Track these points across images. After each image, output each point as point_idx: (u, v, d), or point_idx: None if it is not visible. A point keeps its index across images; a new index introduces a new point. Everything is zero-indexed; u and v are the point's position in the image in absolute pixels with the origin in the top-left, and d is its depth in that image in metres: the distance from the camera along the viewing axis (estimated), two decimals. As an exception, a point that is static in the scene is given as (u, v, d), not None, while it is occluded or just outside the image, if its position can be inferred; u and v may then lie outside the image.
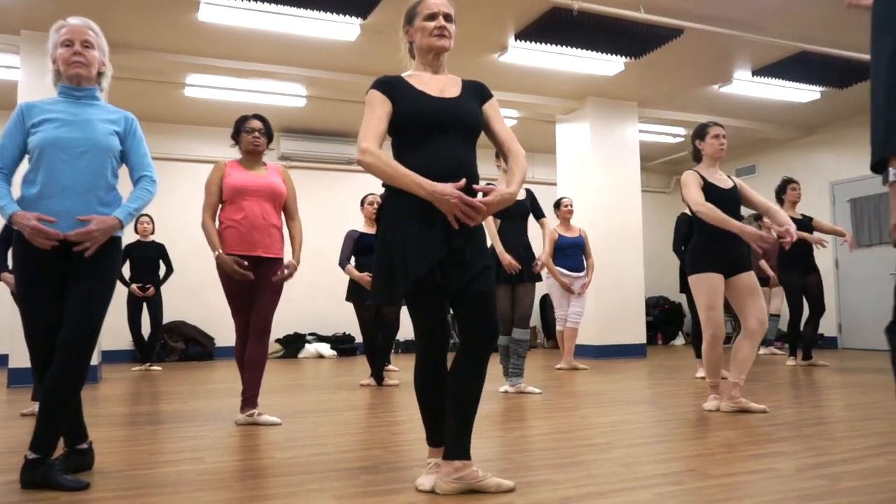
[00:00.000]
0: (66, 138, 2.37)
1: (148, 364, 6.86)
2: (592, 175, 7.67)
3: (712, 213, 3.54)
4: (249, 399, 3.51)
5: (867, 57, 6.94)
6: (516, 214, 4.53)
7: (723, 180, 3.74)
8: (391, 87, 2.21)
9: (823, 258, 8.76)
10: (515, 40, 6.05)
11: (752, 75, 7.02)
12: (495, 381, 5.38)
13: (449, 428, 2.17)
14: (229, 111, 7.62)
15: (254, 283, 3.50)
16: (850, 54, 6.31)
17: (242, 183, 3.49)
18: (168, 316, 7.73)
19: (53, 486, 2.22)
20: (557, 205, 6.38)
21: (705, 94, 7.67)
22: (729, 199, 3.67)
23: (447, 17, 2.27)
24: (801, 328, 6.28)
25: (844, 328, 8.68)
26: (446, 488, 2.13)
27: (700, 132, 3.83)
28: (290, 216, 3.67)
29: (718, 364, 3.75)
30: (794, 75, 6.99)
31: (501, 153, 2.36)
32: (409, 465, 2.55)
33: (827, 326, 8.71)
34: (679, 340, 10.17)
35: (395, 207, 2.15)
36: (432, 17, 2.25)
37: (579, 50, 6.26)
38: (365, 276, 5.05)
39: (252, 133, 3.58)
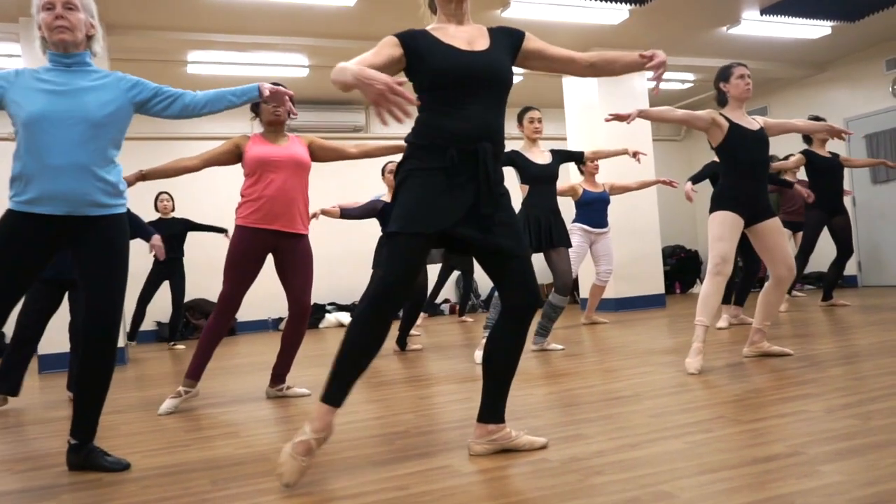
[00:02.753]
0: (54, 111, 2.18)
1: (172, 343, 6.95)
2: (602, 127, 7.58)
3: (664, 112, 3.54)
4: (280, 375, 3.55)
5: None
6: (544, 179, 4.44)
7: (750, 123, 3.61)
8: (414, 39, 2.09)
9: (849, 195, 8.66)
10: (517, -6, 5.94)
11: (761, 14, 6.86)
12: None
13: (487, 391, 2.17)
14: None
15: (277, 260, 3.42)
16: (862, -14, 6.14)
17: (266, 155, 3.33)
18: (190, 294, 7.80)
19: (96, 467, 2.28)
20: (583, 160, 6.30)
21: (713, 37, 7.51)
22: (758, 141, 3.56)
23: None
24: (798, 266, 6.16)
25: (864, 266, 8.62)
26: (479, 450, 2.16)
27: (724, 74, 3.66)
28: (343, 152, 3.52)
29: (714, 303, 3.48)
30: (804, 11, 6.82)
31: (578, 67, 2.28)
32: (442, 428, 2.58)
33: (847, 265, 8.66)
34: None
35: (416, 164, 2.07)
36: None
37: (583, 0, 6.13)
38: None
39: (271, 103, 3.37)
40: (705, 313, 3.50)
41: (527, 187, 4.47)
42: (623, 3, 6.29)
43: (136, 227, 4.13)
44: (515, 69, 2.35)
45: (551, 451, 2.15)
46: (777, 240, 3.56)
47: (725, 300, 5.49)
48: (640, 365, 3.72)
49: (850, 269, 8.67)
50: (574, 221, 6.09)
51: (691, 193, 4.97)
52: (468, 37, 2.15)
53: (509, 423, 2.47)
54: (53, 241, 2.25)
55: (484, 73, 2.07)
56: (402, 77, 2.02)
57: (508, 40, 2.21)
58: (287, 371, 3.55)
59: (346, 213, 4.91)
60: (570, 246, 4.47)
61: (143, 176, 3.24)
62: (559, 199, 4.70)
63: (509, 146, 4.39)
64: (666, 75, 8.79)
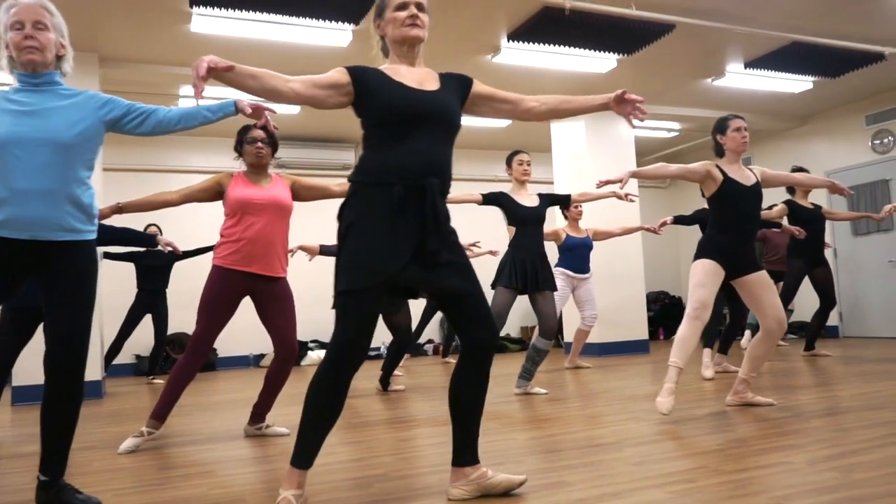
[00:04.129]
0: (21, 133, 2.12)
1: (152, 377, 6.83)
2: (589, 172, 7.67)
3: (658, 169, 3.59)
4: (260, 414, 3.49)
5: (858, 45, 7.00)
6: (531, 221, 4.47)
7: (745, 177, 3.60)
8: (364, 73, 2.11)
9: (829, 248, 8.77)
10: (508, 41, 6.05)
11: (745, 68, 7.04)
12: (503, 385, 5.39)
13: (457, 434, 2.16)
14: (226, 122, 7.59)
15: (257, 303, 3.35)
16: (841, 43, 6.32)
17: (248, 197, 3.28)
18: (170, 328, 7.71)
19: (65, 505, 2.21)
20: (569, 204, 6.35)
21: (699, 88, 7.68)
22: (751, 196, 3.56)
23: (419, 6, 2.17)
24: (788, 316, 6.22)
25: (845, 317, 8.70)
26: (458, 494, 2.13)
27: (721, 126, 3.68)
28: (327, 190, 3.47)
29: (689, 346, 3.45)
30: (786, 66, 7.00)
31: (521, 112, 2.31)
32: (421, 471, 2.54)
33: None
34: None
35: (361, 204, 2.04)
36: (403, 6, 2.16)
37: (572, 49, 6.26)
38: None
39: (255, 143, 3.37)
40: (680, 355, 3.48)
41: (514, 229, 4.49)
42: (611, 53, 6.43)
43: (132, 238, 3.99)
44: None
45: (532, 498, 2.12)
46: (765, 293, 3.52)
47: (722, 349, 5.48)
48: (623, 411, 3.70)
49: (832, 319, 8.74)
50: (556, 266, 6.09)
51: (664, 227, 5.12)
52: (419, 77, 2.17)
53: (492, 469, 2.44)
54: (20, 266, 2.19)
55: (432, 111, 2.09)
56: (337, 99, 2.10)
57: (458, 84, 2.24)
58: (268, 410, 3.50)
59: (326, 250, 4.90)
60: (555, 289, 4.47)
61: (120, 209, 3.20)
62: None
63: (498, 188, 4.44)
64: (652, 124, 8.96)
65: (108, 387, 6.54)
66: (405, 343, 5.15)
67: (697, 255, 3.59)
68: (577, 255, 6.09)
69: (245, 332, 7.90)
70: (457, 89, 2.23)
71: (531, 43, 6.08)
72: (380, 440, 3.21)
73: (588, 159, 7.69)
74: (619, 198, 4.97)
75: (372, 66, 2.17)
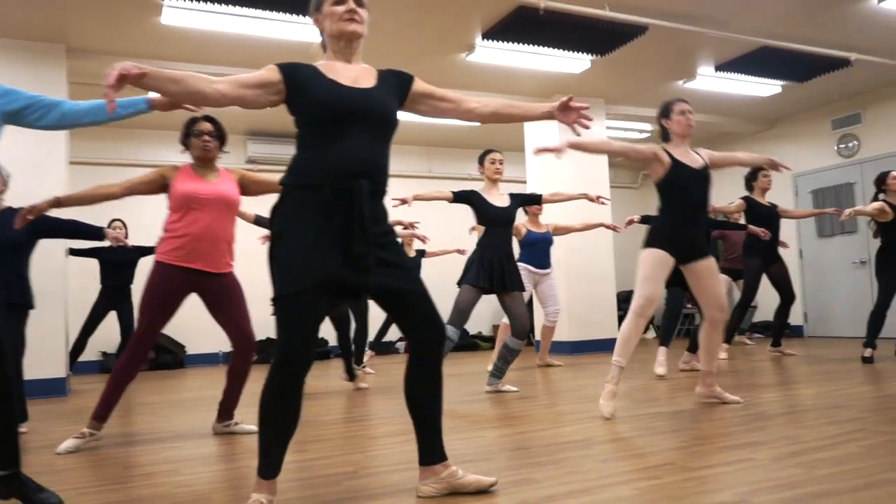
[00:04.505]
0: None
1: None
2: (562, 172, 7.72)
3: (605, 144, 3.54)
4: (227, 411, 3.45)
5: (826, 51, 7.12)
6: (500, 221, 4.46)
7: (694, 160, 3.56)
8: (295, 70, 2.05)
9: (787, 248, 8.93)
10: (483, 39, 6.06)
11: (716, 70, 7.13)
12: (475, 383, 5.40)
13: (420, 433, 2.14)
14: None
15: (206, 301, 3.29)
16: (809, 49, 6.44)
17: (194, 192, 3.20)
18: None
19: (25, 500, 2.16)
20: (541, 202, 6.35)
21: (670, 90, 7.76)
22: (700, 180, 3.52)
23: (358, 1, 2.11)
24: (737, 315, 6.26)
25: (810, 317, 8.87)
26: (428, 491, 2.13)
27: (665, 110, 3.62)
28: (274, 185, 3.34)
29: (632, 343, 3.46)
30: (756, 70, 7.11)
31: (462, 112, 2.26)
32: (390, 469, 2.53)
33: (793, 315, 8.89)
34: (650, 334, 10.29)
35: (290, 208, 1.99)
36: (341, 0, 2.10)
37: (546, 48, 6.29)
38: None
39: (201, 136, 3.27)
40: (623, 353, 3.48)
41: (483, 228, 4.49)
42: (584, 54, 6.47)
43: (80, 231, 3.87)
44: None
45: (502, 495, 2.12)
46: (710, 281, 3.53)
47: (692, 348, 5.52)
48: (592, 409, 3.72)
49: (797, 319, 8.91)
50: (518, 261, 6.07)
51: (630, 225, 5.16)
52: (354, 75, 2.11)
53: (461, 467, 2.44)
54: None
55: (364, 109, 2.03)
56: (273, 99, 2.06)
57: (396, 81, 2.19)
58: (234, 406, 3.46)
59: (261, 221, 4.59)
60: (522, 290, 4.47)
61: (59, 202, 3.10)
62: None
63: (470, 186, 4.44)
64: (624, 124, 9.04)
65: (74, 384, 6.42)
66: (344, 328, 5.07)
67: (647, 244, 3.54)
68: (537, 249, 6.11)
69: (214, 328, 7.81)
70: (395, 87, 2.17)
71: (505, 42, 6.10)
72: (349, 437, 3.20)
73: (561, 159, 7.73)
74: (591, 200, 4.99)
75: (306, 63, 2.11)
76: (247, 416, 3.93)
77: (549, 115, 2.23)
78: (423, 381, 2.12)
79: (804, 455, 2.46)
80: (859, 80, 7.67)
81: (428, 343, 2.10)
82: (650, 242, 3.53)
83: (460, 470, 2.16)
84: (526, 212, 6.27)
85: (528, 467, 2.46)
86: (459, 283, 4.48)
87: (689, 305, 7.87)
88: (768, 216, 6.03)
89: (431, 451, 2.14)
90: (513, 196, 4.63)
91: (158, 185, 3.28)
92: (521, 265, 6.07)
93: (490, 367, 4.82)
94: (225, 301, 3.30)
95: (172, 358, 8.05)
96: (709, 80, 7.36)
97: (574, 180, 7.77)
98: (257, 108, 2.08)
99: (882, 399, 3.63)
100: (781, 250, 6.29)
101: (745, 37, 6.17)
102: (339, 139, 2.00)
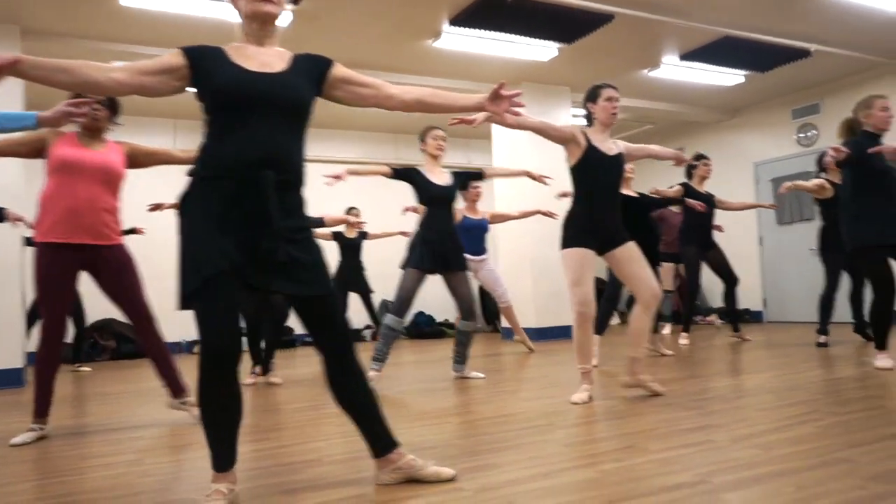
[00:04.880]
0: None
1: (77, 364, 6.58)
2: (528, 160, 7.72)
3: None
4: (172, 387, 3.35)
5: (786, 42, 7.23)
6: (441, 200, 4.36)
7: (609, 147, 3.50)
8: (201, 54, 1.95)
9: (748, 236, 9.12)
10: (449, 26, 6.03)
11: (680, 60, 7.20)
12: (439, 369, 5.41)
13: (364, 430, 2.10)
14: (155, 99, 7.35)
15: (97, 278, 3.15)
16: (771, 39, 6.55)
17: (73, 157, 2.99)
18: (98, 314, 7.43)
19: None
20: (466, 186, 6.20)
21: (635, 79, 7.82)
22: (613, 166, 3.47)
23: None
24: (689, 305, 6.37)
25: (769, 302, 9.06)
26: (388, 479, 2.11)
27: (592, 94, 3.53)
28: (170, 155, 3.22)
29: (588, 347, 3.48)
30: (719, 60, 7.20)
31: (384, 99, 2.14)
32: (355, 456, 2.53)
33: (752, 301, 9.09)
34: (615, 320, 10.42)
35: (194, 199, 1.91)
36: None
37: (513, 35, 6.29)
38: None
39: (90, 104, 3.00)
40: (583, 359, 3.47)
41: (424, 208, 4.39)
42: (551, 41, 6.48)
43: None
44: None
45: (465, 480, 2.13)
46: (636, 266, 3.44)
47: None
48: (557, 394, 3.75)
49: (756, 305, 9.10)
50: None
51: (563, 197, 5.01)
52: (265, 59, 2.01)
53: (425, 453, 2.44)
54: None
55: (270, 95, 1.93)
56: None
57: (312, 66, 2.08)
58: (177, 381, 3.35)
59: None
60: (465, 269, 4.39)
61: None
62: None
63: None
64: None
65: (31, 374, 6.26)
66: (279, 323, 4.94)
67: (564, 243, 3.46)
68: (472, 236, 6.06)
69: (177, 315, 7.69)
70: (310, 72, 2.06)
71: (472, 29, 6.08)
72: (312, 426, 3.18)
73: (528, 146, 7.74)
74: (533, 178, 4.84)
75: (213, 46, 2.00)
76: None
77: (479, 107, 2.14)
78: (344, 380, 2.06)
79: (761, 436, 2.52)
80: (819, 71, 7.81)
81: (336, 350, 2.04)
82: (566, 242, 3.45)
83: (419, 460, 2.14)
84: (464, 198, 6.16)
85: (490, 452, 2.47)
86: (403, 267, 4.38)
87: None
88: (704, 203, 6.12)
89: (379, 442, 2.11)
90: (456, 174, 4.52)
91: (34, 147, 3.05)
92: None
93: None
94: (115, 275, 3.15)
95: (134, 347, 7.91)
96: (673, 69, 7.43)
97: (539, 167, 7.79)
98: (162, 95, 1.97)
99: (834, 382, 3.73)
100: (718, 235, 6.39)
101: (709, 26, 6.24)
102: (243, 127, 1.90)
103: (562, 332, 7.82)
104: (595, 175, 3.45)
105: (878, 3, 5.95)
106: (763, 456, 2.24)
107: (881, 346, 4.14)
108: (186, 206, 1.93)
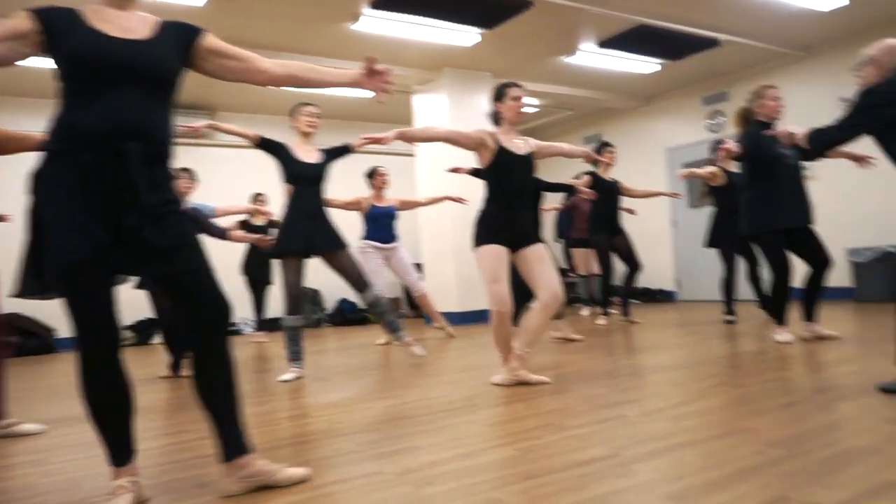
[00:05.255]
0: None
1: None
2: (449, 156, 7.75)
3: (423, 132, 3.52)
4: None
5: (698, 31, 7.46)
6: (307, 179, 4.13)
7: (519, 147, 3.52)
8: (52, 16, 1.78)
9: (661, 218, 9.46)
10: (369, 8, 5.96)
11: (599, 47, 7.36)
12: (367, 355, 5.39)
13: (219, 429, 1.92)
14: (23, 78, 6.94)
15: None
16: (684, 28, 6.78)
17: None
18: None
19: None
20: (372, 174, 6.07)
21: (554, 65, 7.95)
22: (524, 167, 3.49)
23: None
24: (604, 287, 6.53)
25: (682, 282, 9.44)
26: (236, 488, 1.92)
27: (498, 93, 3.52)
28: (20, 140, 2.83)
29: (507, 341, 3.46)
30: (635, 48, 7.41)
31: (254, 73, 2.03)
32: (275, 445, 2.49)
33: (665, 282, 9.46)
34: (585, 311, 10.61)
35: (50, 176, 1.76)
36: None
37: (435, 20, 6.27)
38: None
39: None
40: (506, 350, 3.47)
41: (291, 187, 4.16)
42: (473, 27, 6.50)
43: None
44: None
45: (385, 463, 2.14)
46: (541, 266, 3.42)
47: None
48: (480, 376, 3.80)
49: (669, 285, 9.47)
50: (363, 238, 5.94)
51: (455, 171, 5.24)
52: (126, 24, 1.86)
53: (346, 439, 2.44)
54: None
55: (132, 63, 1.80)
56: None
57: (180, 34, 1.96)
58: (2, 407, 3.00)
59: None
60: (339, 249, 4.17)
61: None
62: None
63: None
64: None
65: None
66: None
67: (477, 241, 3.45)
68: (380, 225, 5.94)
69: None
70: (177, 40, 1.93)
71: (393, 12, 6.03)
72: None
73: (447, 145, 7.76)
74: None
75: (66, 7, 1.82)
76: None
77: (354, 83, 2.06)
78: (210, 369, 1.91)
79: (671, 410, 2.63)
80: (727, 61, 8.15)
81: (209, 327, 1.90)
82: (480, 239, 3.44)
83: (272, 465, 1.97)
84: (370, 185, 6.04)
85: (412, 435, 2.49)
86: (276, 257, 4.16)
87: (572, 274, 8.16)
88: (609, 190, 6.32)
89: (232, 445, 1.92)
90: (327, 151, 4.29)
91: None
92: (367, 242, 5.91)
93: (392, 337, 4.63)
94: None
95: (40, 342, 7.53)
96: (591, 56, 7.59)
97: (463, 155, 7.83)
98: (9, 64, 1.80)
99: (739, 356, 3.93)
100: (630, 218, 6.60)
101: (625, 15, 6.40)
102: (102, 97, 1.77)
103: (482, 316, 7.92)
104: (507, 175, 3.46)
105: (780, -5, 6.26)
106: (672, 428, 2.34)
107: (780, 321, 4.39)
108: (39, 185, 1.78)
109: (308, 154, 4.20)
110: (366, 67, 2.04)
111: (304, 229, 4.10)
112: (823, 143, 3.11)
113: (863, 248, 7.25)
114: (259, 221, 7.08)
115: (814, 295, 4.33)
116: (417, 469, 2.05)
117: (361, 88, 2.08)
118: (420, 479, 1.96)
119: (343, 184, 7.48)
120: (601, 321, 6.55)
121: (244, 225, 7.07)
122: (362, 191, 6.12)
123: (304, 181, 4.15)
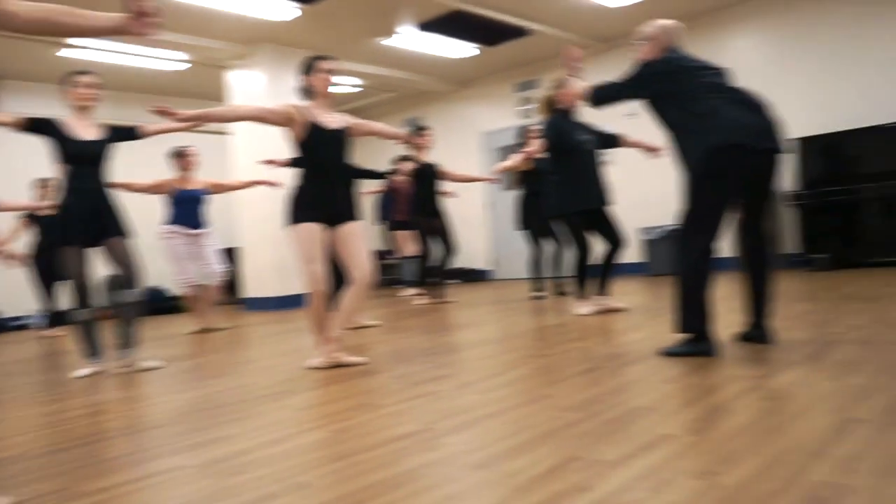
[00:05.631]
0: None
1: None
2: (264, 133, 7.47)
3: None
4: None
5: (509, 19, 7.79)
6: (84, 157, 3.71)
7: (331, 121, 3.42)
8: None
9: (476, 200, 9.82)
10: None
11: (420, 30, 7.43)
12: (167, 348, 5.09)
13: None
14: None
15: None
16: (496, 15, 7.05)
17: None
18: None
19: None
20: (180, 154, 5.64)
21: (374, 46, 7.93)
22: (337, 142, 3.41)
23: None
24: (422, 267, 6.72)
25: (499, 261, 9.90)
26: None
27: (308, 66, 3.42)
28: None
29: (323, 321, 3.41)
30: (451, 32, 7.59)
31: (2, 17, 1.76)
32: (65, 447, 2.27)
33: (482, 261, 9.88)
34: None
35: None
36: None
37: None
38: None
39: None
40: (320, 331, 3.41)
41: (67, 168, 3.72)
42: (291, 0, 6.29)
43: None
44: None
45: (189, 456, 2.02)
46: (356, 245, 3.40)
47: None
48: (296, 361, 3.72)
49: (486, 264, 9.91)
50: (167, 223, 5.56)
51: (268, 164, 5.13)
52: None
53: (151, 434, 2.28)
54: None
55: None
56: None
57: None
58: None
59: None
60: (121, 235, 3.79)
61: None
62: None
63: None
64: (336, 79, 9.02)
65: None
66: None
67: (291, 219, 3.35)
68: (187, 209, 5.55)
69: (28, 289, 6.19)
70: None
71: (200, -21, 5.67)
72: (17, 418, 2.80)
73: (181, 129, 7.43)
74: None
75: None
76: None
77: (120, 27, 1.88)
78: None
79: (481, 383, 2.75)
80: (538, 50, 8.59)
81: None
82: (293, 217, 3.35)
83: None
84: (177, 167, 5.64)
85: (221, 425, 2.38)
86: (55, 245, 3.84)
87: (393, 256, 8.26)
88: (427, 173, 6.52)
89: None
90: (111, 129, 3.88)
91: None
92: (173, 227, 5.52)
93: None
94: None
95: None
96: (409, 39, 7.66)
97: (283, 132, 7.60)
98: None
99: (544, 329, 4.20)
100: (452, 200, 6.84)
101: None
102: None
103: (300, 301, 7.79)
104: (319, 150, 3.37)
105: (582, -9, 6.70)
106: (481, 400, 2.44)
107: (581, 295, 4.74)
108: None
109: (86, 130, 3.75)
110: (133, 9, 1.84)
111: (85, 214, 3.69)
112: (603, 96, 3.21)
113: (653, 227, 8.03)
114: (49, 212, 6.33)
115: (607, 271, 4.73)
116: (224, 459, 1.96)
117: (128, 34, 1.87)
118: (226, 469, 1.88)
119: (143, 164, 6.97)
120: (419, 301, 6.70)
121: (32, 218, 6.35)
122: (165, 173, 5.69)
123: (82, 161, 3.71)
